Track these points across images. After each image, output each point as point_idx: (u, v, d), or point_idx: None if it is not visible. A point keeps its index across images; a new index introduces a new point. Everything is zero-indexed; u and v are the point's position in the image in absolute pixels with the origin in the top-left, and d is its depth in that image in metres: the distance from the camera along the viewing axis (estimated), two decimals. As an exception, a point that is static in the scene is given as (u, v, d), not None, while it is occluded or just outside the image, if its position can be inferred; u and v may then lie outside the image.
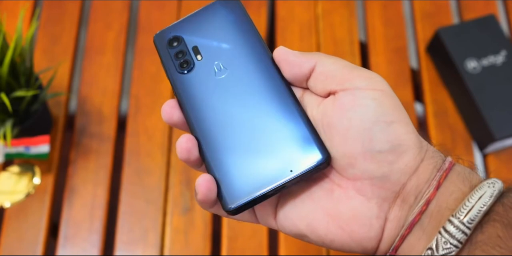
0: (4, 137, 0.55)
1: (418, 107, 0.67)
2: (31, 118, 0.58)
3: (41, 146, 0.57)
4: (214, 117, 0.32)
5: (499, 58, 0.64)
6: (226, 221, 0.59)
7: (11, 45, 0.52)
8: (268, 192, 0.29)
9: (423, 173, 0.29)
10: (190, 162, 0.31)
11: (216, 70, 0.33)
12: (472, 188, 0.28)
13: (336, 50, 0.69)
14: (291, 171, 0.29)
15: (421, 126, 0.66)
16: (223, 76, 0.33)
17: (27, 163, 0.62)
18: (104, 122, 0.65)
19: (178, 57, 0.34)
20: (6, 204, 0.60)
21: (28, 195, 0.60)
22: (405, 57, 0.69)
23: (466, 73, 0.63)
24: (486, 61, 0.63)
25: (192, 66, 0.34)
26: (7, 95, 0.53)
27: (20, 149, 0.57)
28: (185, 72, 0.34)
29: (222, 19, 0.34)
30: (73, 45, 0.69)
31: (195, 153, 0.31)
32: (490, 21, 0.66)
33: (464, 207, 0.27)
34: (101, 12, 0.72)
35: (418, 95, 0.68)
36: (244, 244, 0.58)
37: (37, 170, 0.61)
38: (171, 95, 0.66)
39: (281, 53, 0.32)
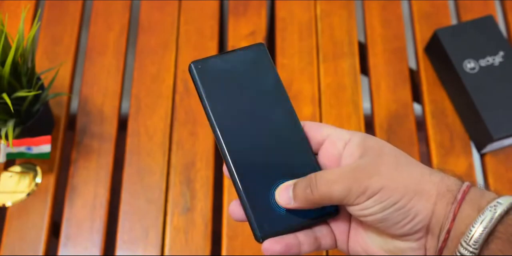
0: (6, 137, 0.56)
1: (417, 107, 0.68)
2: (32, 118, 0.58)
3: (42, 146, 0.58)
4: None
5: (497, 59, 0.64)
6: (226, 221, 0.60)
7: (13, 46, 0.52)
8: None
9: (440, 211, 0.34)
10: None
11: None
12: (480, 211, 0.33)
13: (335, 50, 0.69)
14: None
15: (420, 126, 0.66)
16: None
17: (28, 163, 0.62)
18: (105, 122, 0.65)
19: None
20: (8, 204, 0.60)
21: (29, 195, 0.61)
22: (403, 57, 0.69)
23: (464, 74, 0.63)
24: (484, 62, 0.64)
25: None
26: (9, 95, 0.54)
27: (21, 149, 0.58)
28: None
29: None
30: (75, 45, 0.70)
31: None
32: (488, 21, 0.66)
33: (470, 231, 0.33)
34: (102, 13, 0.72)
35: (417, 95, 0.69)
36: (244, 244, 0.58)
37: (39, 169, 0.62)
38: (171, 95, 0.67)
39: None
